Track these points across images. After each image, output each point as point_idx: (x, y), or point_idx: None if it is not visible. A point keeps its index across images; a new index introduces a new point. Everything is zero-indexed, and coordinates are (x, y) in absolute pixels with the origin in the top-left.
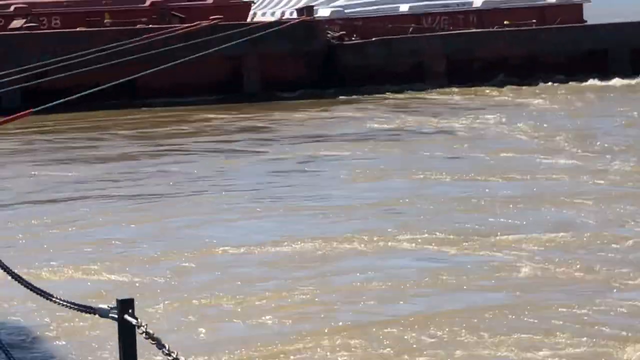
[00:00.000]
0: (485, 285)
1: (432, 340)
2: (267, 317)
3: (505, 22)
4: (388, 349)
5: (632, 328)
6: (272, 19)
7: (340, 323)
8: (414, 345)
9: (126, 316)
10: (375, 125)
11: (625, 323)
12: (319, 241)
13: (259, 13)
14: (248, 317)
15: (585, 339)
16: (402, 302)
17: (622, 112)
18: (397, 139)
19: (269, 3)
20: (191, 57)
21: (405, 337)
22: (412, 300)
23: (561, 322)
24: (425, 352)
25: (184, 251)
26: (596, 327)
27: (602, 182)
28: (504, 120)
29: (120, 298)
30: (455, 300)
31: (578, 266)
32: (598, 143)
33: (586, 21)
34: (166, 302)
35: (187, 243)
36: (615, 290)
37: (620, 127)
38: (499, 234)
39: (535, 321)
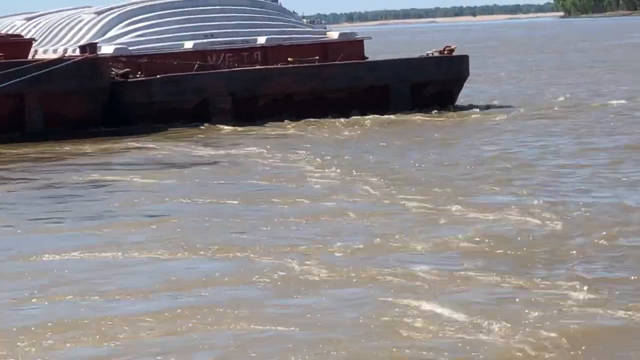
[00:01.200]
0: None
1: None
2: None
3: (289, 59)
4: None
5: None
6: (55, 56)
7: None
8: None
9: None
10: (158, 156)
11: None
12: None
13: (41, 50)
14: None
15: None
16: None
17: (389, 141)
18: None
19: (51, 40)
20: None
21: None
22: None
23: None
24: None
25: None
26: None
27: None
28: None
29: None
30: None
31: None
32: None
33: (367, 57)
34: None
35: None
36: None
37: (382, 153)
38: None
39: None
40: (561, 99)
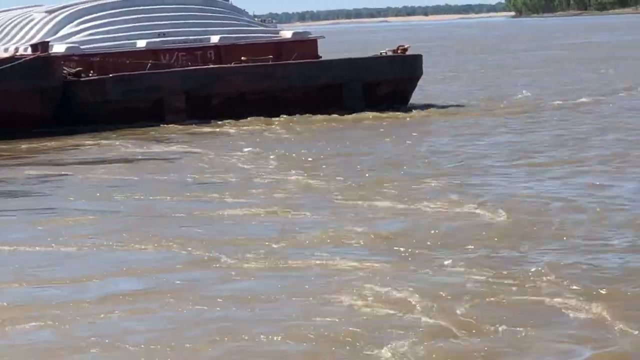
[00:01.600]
0: None
1: None
2: None
3: (242, 58)
4: None
5: None
6: (6, 55)
7: None
8: None
9: None
10: (113, 154)
11: None
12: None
13: None
14: None
15: None
16: None
17: (337, 138)
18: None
19: (1, 39)
20: None
21: None
22: None
23: None
24: None
25: None
26: None
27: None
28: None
29: None
30: None
31: None
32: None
33: (321, 56)
34: None
35: None
36: None
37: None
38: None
39: None
40: (519, 96)
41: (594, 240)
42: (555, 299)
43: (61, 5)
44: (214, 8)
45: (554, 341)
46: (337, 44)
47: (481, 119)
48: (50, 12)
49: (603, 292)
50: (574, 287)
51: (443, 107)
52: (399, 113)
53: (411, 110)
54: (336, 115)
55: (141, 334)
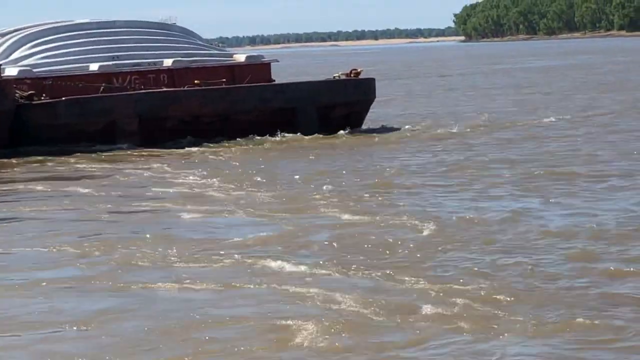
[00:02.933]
0: None
1: None
2: None
3: (195, 81)
4: None
5: None
6: None
7: None
8: None
9: None
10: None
11: None
12: None
13: None
14: None
15: None
16: None
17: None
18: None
19: None
20: None
21: None
22: None
23: None
24: None
25: None
26: None
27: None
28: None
29: None
30: None
31: None
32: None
33: (274, 80)
34: None
35: None
36: None
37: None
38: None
39: None
40: (480, 117)
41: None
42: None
43: (13, 29)
44: (167, 31)
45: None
46: (288, 67)
47: (432, 140)
48: (2, 35)
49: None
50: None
51: (394, 129)
52: (350, 135)
53: (365, 133)
54: (289, 136)
55: None
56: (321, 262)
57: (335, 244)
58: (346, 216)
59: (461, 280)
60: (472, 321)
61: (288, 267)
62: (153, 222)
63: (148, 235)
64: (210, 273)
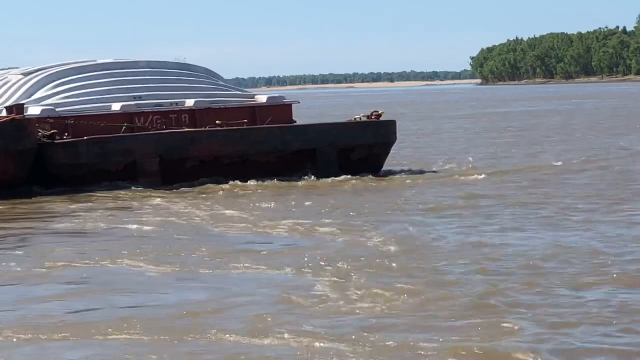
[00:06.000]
0: None
1: None
2: None
3: (217, 122)
4: None
5: None
6: None
7: None
8: None
9: None
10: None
11: None
12: None
13: None
14: None
15: None
16: None
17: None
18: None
19: None
20: None
21: None
22: None
23: None
24: None
25: None
26: None
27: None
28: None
29: None
30: None
31: None
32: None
33: (295, 121)
34: None
35: None
36: None
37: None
38: None
39: None
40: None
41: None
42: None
43: (37, 68)
44: (189, 72)
45: None
46: (305, 108)
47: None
48: (26, 74)
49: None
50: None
51: (415, 173)
52: (369, 177)
53: (385, 176)
54: (309, 180)
55: None
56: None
57: None
58: None
59: None
60: None
61: None
62: None
63: None
64: None
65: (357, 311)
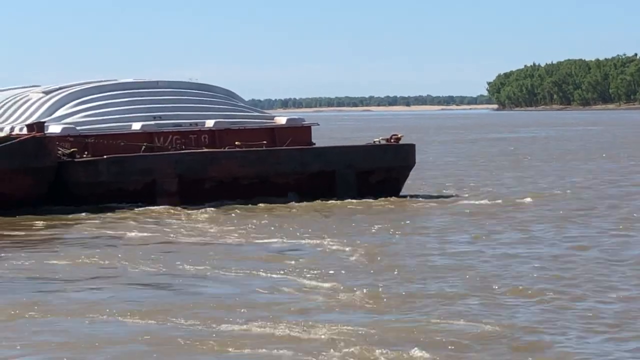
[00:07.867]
0: None
1: None
2: None
3: (236, 143)
4: None
5: None
6: (1, 134)
7: None
8: None
9: None
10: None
11: None
12: None
13: None
14: None
15: None
16: None
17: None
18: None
19: None
20: None
21: None
22: None
23: None
24: None
25: None
26: None
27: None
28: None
29: None
30: None
31: None
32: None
33: (314, 143)
34: None
35: None
36: None
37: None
38: None
39: None
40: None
41: None
42: None
43: (58, 87)
44: (209, 92)
45: None
46: (322, 130)
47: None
48: (47, 92)
49: None
50: None
51: (432, 197)
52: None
53: (404, 198)
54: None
55: None
56: None
57: None
58: None
59: None
60: None
61: None
62: None
63: None
64: None
65: None
